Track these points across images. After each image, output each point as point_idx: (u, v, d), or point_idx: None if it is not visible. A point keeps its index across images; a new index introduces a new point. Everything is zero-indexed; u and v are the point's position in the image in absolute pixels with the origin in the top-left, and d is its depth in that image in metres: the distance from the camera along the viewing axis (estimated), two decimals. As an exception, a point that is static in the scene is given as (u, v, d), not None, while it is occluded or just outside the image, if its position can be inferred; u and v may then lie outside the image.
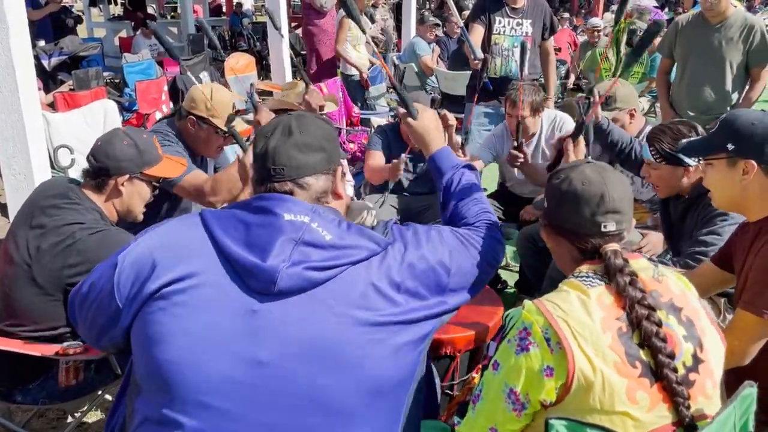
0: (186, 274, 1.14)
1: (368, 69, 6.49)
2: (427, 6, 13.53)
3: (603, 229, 1.26)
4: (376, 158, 3.40)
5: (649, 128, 2.91)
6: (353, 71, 6.46)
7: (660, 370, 1.13)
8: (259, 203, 1.21)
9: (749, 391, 1.22)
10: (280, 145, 1.26)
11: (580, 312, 1.16)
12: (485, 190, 3.70)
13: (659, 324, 1.15)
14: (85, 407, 2.34)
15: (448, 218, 1.52)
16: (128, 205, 2.10)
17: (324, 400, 1.11)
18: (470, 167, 1.59)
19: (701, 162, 1.76)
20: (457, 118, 4.38)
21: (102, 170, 2.02)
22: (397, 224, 1.30)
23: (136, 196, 2.10)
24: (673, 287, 1.25)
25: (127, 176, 2.05)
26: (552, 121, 3.38)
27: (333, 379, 1.11)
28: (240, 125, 2.76)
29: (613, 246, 1.26)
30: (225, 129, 2.62)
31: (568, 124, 3.40)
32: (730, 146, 1.61)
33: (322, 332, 1.12)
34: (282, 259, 1.12)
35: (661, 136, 2.20)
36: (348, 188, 3.32)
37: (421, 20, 7.77)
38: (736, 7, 3.85)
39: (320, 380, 1.11)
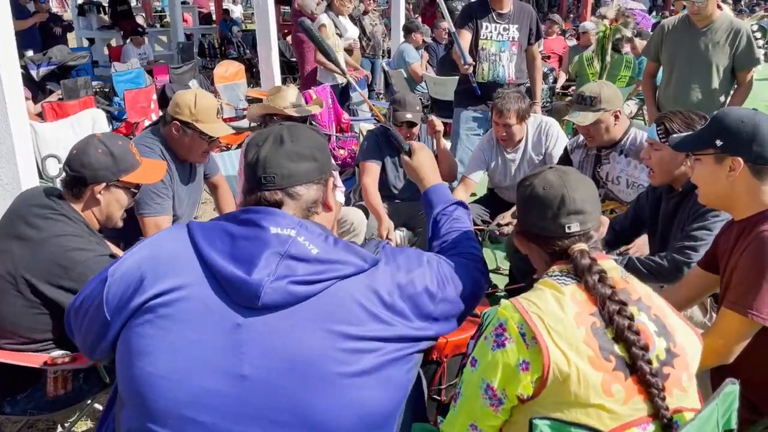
0: (172, 287, 1.14)
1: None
2: (417, 12, 13.56)
3: (567, 230, 1.29)
4: (372, 173, 3.37)
5: (633, 130, 2.95)
6: (338, 80, 6.47)
7: (634, 362, 1.16)
8: (246, 216, 1.20)
9: (731, 388, 1.23)
10: (271, 154, 1.25)
11: (555, 308, 1.19)
12: (474, 194, 3.74)
13: (631, 318, 1.18)
14: (75, 417, 2.33)
15: (436, 252, 1.51)
16: (107, 213, 2.09)
17: (307, 415, 1.11)
18: (462, 204, 1.61)
19: (691, 157, 1.78)
20: (446, 123, 4.40)
21: (78, 179, 2.00)
22: (389, 245, 1.30)
23: (115, 203, 2.09)
24: (639, 288, 1.28)
25: (104, 184, 2.04)
26: (538, 126, 3.40)
27: (315, 394, 1.11)
28: (225, 131, 2.76)
29: (580, 246, 1.29)
30: (209, 133, 2.62)
31: (554, 127, 3.42)
32: (718, 142, 1.62)
33: (306, 347, 1.11)
34: (267, 273, 1.11)
35: (673, 117, 2.26)
36: (338, 195, 3.33)
37: (407, 29, 7.80)
38: (722, 10, 3.89)
39: (303, 395, 1.10)
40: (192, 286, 1.14)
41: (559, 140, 3.37)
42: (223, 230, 1.19)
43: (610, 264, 1.28)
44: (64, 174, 2.07)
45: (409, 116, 3.27)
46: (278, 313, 1.12)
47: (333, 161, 1.41)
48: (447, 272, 1.33)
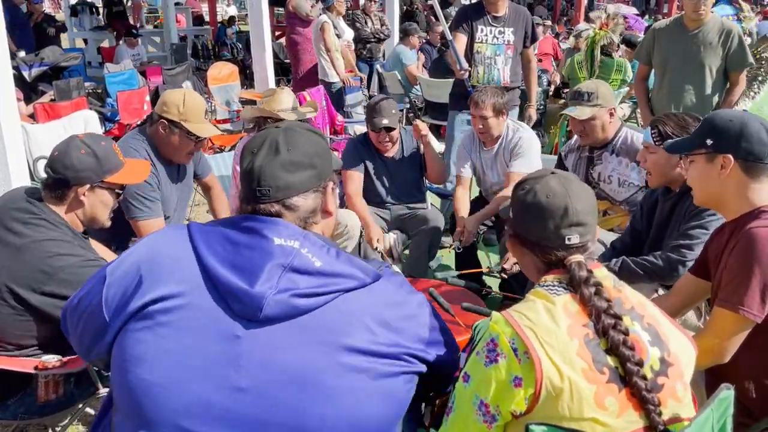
0: (171, 293, 1.12)
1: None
2: (414, 15, 13.58)
3: (567, 242, 1.27)
4: (355, 181, 3.38)
5: (625, 130, 2.98)
6: (334, 78, 6.48)
7: (629, 378, 1.14)
8: (247, 224, 1.18)
9: (726, 393, 1.23)
10: (266, 164, 1.21)
11: (547, 320, 1.17)
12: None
13: (626, 332, 1.16)
14: (66, 421, 2.30)
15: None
16: (92, 214, 2.05)
17: (304, 428, 1.09)
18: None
19: (686, 160, 1.81)
20: (440, 126, 4.40)
21: (61, 182, 1.96)
22: (390, 269, 1.28)
23: (100, 204, 2.05)
24: (631, 296, 1.27)
25: (88, 186, 2.00)
26: (518, 138, 3.32)
27: (313, 407, 1.09)
28: (212, 131, 2.75)
29: (577, 257, 1.27)
30: (196, 133, 2.60)
31: (527, 145, 3.29)
32: (709, 142, 1.68)
33: (305, 360, 1.10)
34: (270, 286, 1.10)
35: (666, 120, 2.29)
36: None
37: (404, 31, 7.79)
38: (713, 12, 3.91)
39: (301, 408, 1.09)
40: (192, 294, 1.12)
41: (523, 157, 3.25)
42: (223, 236, 1.17)
43: (602, 273, 1.27)
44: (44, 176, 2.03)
45: (385, 122, 3.28)
46: (278, 326, 1.11)
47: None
48: (442, 326, 1.31)
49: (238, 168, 3.26)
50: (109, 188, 2.07)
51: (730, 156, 1.64)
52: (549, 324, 1.16)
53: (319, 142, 1.29)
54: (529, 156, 3.28)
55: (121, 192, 2.15)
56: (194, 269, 1.14)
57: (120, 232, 2.44)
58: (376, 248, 3.17)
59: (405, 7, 12.02)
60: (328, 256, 1.17)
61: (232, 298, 1.11)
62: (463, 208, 3.37)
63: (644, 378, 1.14)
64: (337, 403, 1.10)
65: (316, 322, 1.12)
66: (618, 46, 6.04)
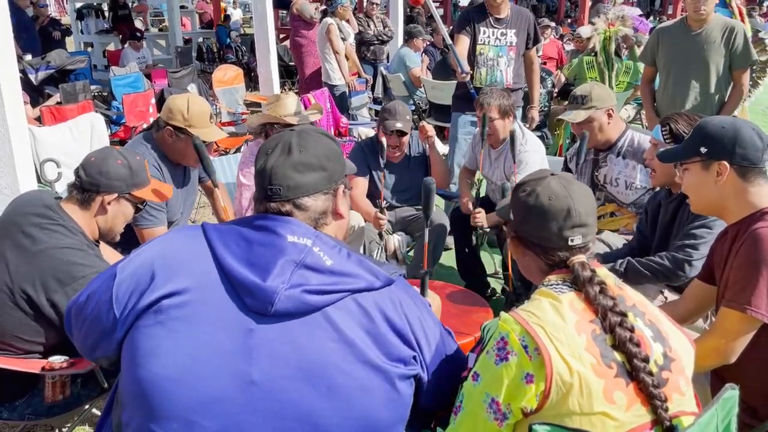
0: (184, 288, 1.14)
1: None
2: (414, 19, 13.58)
3: (570, 243, 1.28)
4: (360, 186, 3.40)
5: (630, 132, 2.97)
6: (338, 81, 6.50)
7: (636, 375, 1.15)
8: (261, 222, 1.20)
9: (731, 393, 1.23)
10: (278, 165, 1.24)
11: (554, 317, 1.19)
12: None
13: (632, 329, 1.18)
14: (73, 422, 2.32)
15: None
16: (111, 225, 2.08)
17: (313, 424, 1.11)
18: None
19: (680, 168, 1.81)
20: (444, 128, 4.41)
21: (92, 185, 2.00)
22: (404, 278, 1.30)
23: (120, 216, 2.09)
24: (632, 294, 1.28)
25: (116, 195, 2.04)
26: (522, 144, 3.33)
27: (322, 403, 1.11)
28: (218, 135, 2.76)
29: (580, 258, 1.28)
30: (202, 138, 2.62)
31: (530, 160, 3.31)
32: (703, 150, 1.69)
33: (315, 356, 1.11)
34: (282, 281, 1.12)
35: (678, 119, 2.28)
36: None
37: (408, 33, 7.80)
38: (715, 12, 3.91)
39: (310, 403, 1.11)
40: (205, 289, 1.14)
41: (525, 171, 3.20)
42: (239, 234, 1.19)
43: (604, 272, 1.28)
44: (63, 178, 2.07)
45: (399, 125, 3.28)
46: (290, 322, 1.12)
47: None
48: (449, 336, 1.33)
49: (242, 173, 3.28)
50: (132, 202, 2.11)
51: (726, 162, 1.65)
52: (557, 320, 1.18)
53: (330, 145, 1.32)
54: (532, 169, 3.25)
55: (141, 207, 2.20)
56: (209, 265, 1.16)
57: (129, 240, 2.46)
58: (381, 233, 3.17)
59: (407, 11, 12.02)
60: (339, 256, 1.19)
61: (244, 292, 1.13)
62: (465, 188, 3.51)
63: (651, 374, 1.16)
64: (345, 401, 1.11)
65: (327, 320, 1.13)
66: (634, 45, 6.03)
